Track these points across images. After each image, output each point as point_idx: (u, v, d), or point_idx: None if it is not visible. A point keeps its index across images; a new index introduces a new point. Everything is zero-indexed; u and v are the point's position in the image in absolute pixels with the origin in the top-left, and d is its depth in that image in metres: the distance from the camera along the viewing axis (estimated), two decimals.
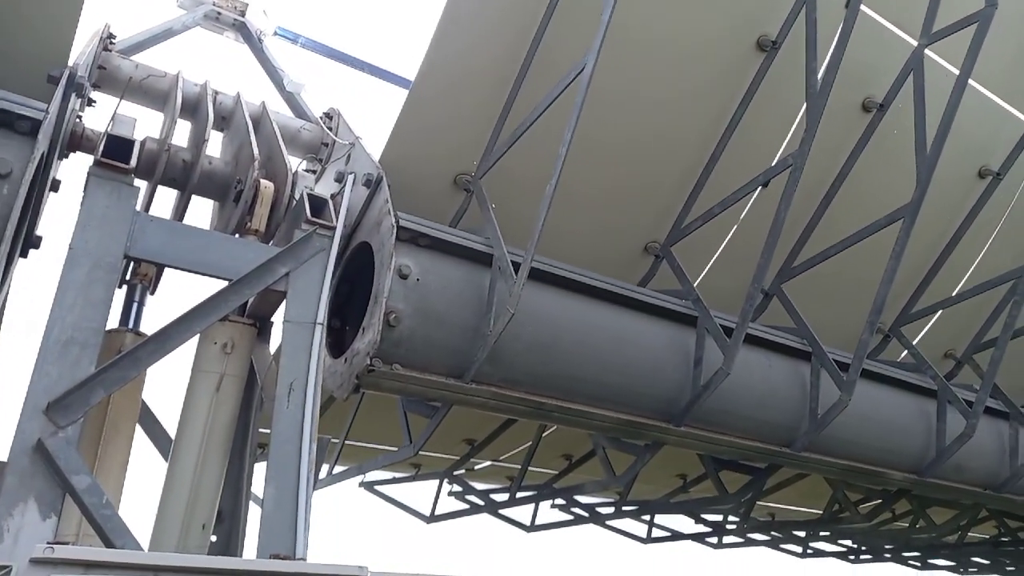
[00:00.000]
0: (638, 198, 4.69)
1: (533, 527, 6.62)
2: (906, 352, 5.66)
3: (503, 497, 6.21)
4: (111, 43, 4.18)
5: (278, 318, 3.79)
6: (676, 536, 7.59)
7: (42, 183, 3.22)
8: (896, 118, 4.83)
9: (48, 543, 2.09)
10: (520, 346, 3.74)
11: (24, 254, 3.34)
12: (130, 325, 3.70)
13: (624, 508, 6.29)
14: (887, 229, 4.45)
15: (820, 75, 3.91)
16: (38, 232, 3.41)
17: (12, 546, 2.34)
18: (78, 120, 3.55)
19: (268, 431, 3.63)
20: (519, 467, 6.00)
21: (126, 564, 1.97)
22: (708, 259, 5.12)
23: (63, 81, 3.08)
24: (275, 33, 5.55)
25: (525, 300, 3.50)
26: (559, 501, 6.69)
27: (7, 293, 3.21)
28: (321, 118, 4.92)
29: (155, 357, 2.85)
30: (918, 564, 9.31)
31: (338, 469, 5.89)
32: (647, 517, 7.36)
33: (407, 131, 4.04)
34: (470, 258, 3.79)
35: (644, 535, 7.36)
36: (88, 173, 3.06)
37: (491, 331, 3.53)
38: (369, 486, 6.57)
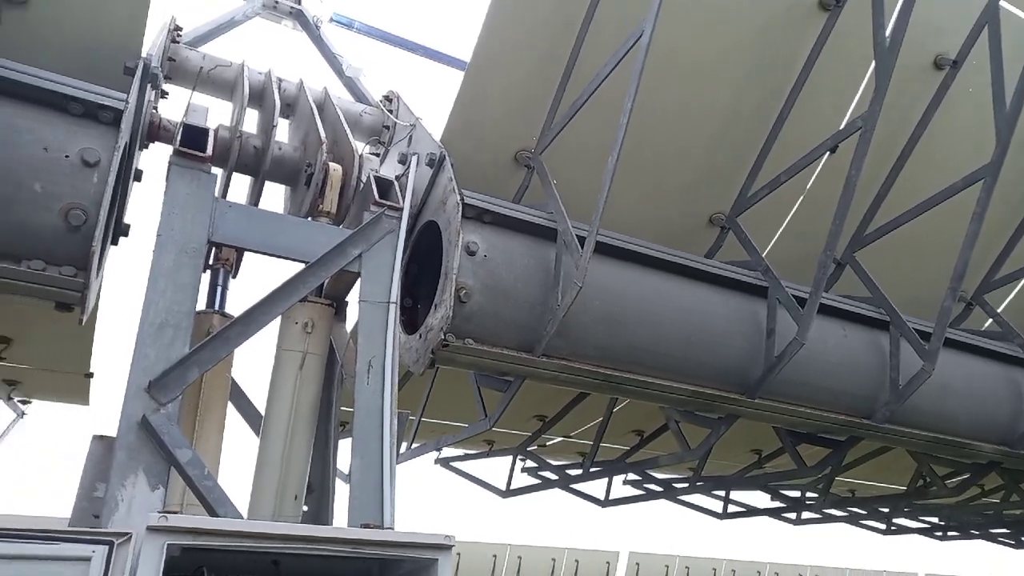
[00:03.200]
0: (701, 168, 4.62)
1: (607, 502, 6.66)
2: (991, 321, 5.44)
3: (577, 473, 6.26)
4: (178, 35, 4.32)
5: (351, 297, 3.92)
6: (752, 512, 7.51)
7: (126, 173, 3.38)
8: (970, 75, 4.60)
9: (159, 512, 2.23)
10: (588, 319, 3.75)
11: (115, 242, 3.52)
12: (216, 307, 3.87)
13: (698, 483, 6.25)
14: (966, 192, 4.27)
15: (888, 32, 3.75)
16: (126, 220, 3.58)
17: (126, 515, 2.50)
18: (154, 111, 3.70)
19: (348, 409, 3.78)
20: (590, 443, 6.03)
21: (235, 532, 2.08)
22: (775, 229, 5.01)
23: (139, 72, 3.21)
24: (331, 20, 5.65)
25: (592, 273, 3.51)
26: (632, 476, 6.70)
27: (102, 279, 3.40)
28: (381, 101, 4.99)
29: (243, 337, 2.98)
30: (1012, 542, 8.93)
31: (415, 445, 6.04)
32: (722, 493, 7.30)
33: (466, 110, 4.07)
34: (535, 233, 3.82)
35: (720, 511, 7.30)
36: (168, 162, 3.19)
37: (559, 304, 3.56)
38: (445, 462, 6.72)
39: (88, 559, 1.93)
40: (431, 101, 5.07)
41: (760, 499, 7.59)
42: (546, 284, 3.71)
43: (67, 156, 2.76)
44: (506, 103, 4.07)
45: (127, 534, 1.99)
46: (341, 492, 3.65)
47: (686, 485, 6.78)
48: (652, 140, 4.37)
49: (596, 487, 7.02)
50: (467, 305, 3.54)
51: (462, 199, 3.59)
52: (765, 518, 7.62)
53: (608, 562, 19.92)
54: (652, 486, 6.77)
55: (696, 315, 4.11)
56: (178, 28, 4.23)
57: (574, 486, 6.51)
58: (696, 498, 7.23)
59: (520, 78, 4.02)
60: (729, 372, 4.16)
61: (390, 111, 4.79)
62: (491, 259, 3.63)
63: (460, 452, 6.99)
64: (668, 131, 4.43)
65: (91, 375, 5.12)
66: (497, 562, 16.06)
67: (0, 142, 2.68)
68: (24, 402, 6.05)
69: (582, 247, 3.47)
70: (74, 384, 5.39)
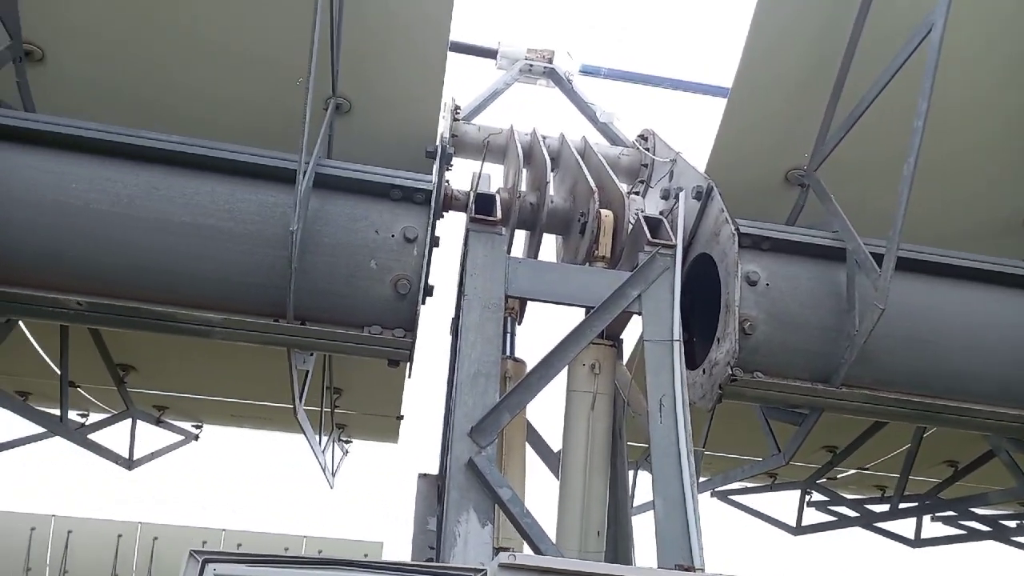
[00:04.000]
0: (998, 164, 4.04)
1: (919, 542, 5.93)
2: None
3: (876, 508, 5.69)
4: (457, 114, 4.85)
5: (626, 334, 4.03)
6: None
7: (431, 241, 3.85)
8: None
9: (496, 548, 2.46)
10: (893, 343, 3.44)
11: (423, 301, 4.01)
12: (507, 353, 4.19)
13: None
14: None
15: None
16: (430, 282, 4.06)
17: (463, 549, 2.79)
18: (446, 183, 4.18)
19: (632, 443, 3.85)
20: (889, 475, 5.46)
21: (580, 572, 2.22)
22: None
23: (439, 155, 3.66)
24: (580, 72, 5.93)
25: (892, 292, 3.23)
26: (946, 513, 5.91)
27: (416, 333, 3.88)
28: (636, 140, 5.11)
29: (544, 382, 3.20)
30: None
31: (701, 479, 5.94)
32: None
33: (731, 136, 4.02)
34: (819, 255, 3.62)
35: None
36: (466, 229, 3.57)
37: (858, 330, 3.31)
38: (723, 496, 6.51)
39: None
40: (686, 132, 5.08)
41: None
42: (837, 308, 3.49)
43: (393, 235, 3.23)
44: (773, 123, 3.95)
45: (482, 570, 2.22)
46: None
47: (1015, 524, 5.82)
48: (940, 140, 3.93)
49: (902, 525, 6.29)
50: (752, 337, 3.45)
51: (737, 228, 3.53)
52: None
53: None
54: (974, 524, 5.89)
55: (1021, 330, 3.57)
56: (457, 107, 4.75)
57: (878, 524, 5.90)
58: None
59: (786, 96, 3.88)
60: None
61: (647, 149, 4.89)
62: (774, 287, 3.50)
63: (739, 485, 6.71)
64: (956, 129, 3.96)
65: (401, 417, 5.83)
66: None
67: (342, 228, 3.23)
68: (347, 442, 7.06)
69: (878, 265, 3.22)
70: (387, 425, 6.18)
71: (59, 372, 4.84)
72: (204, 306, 3.22)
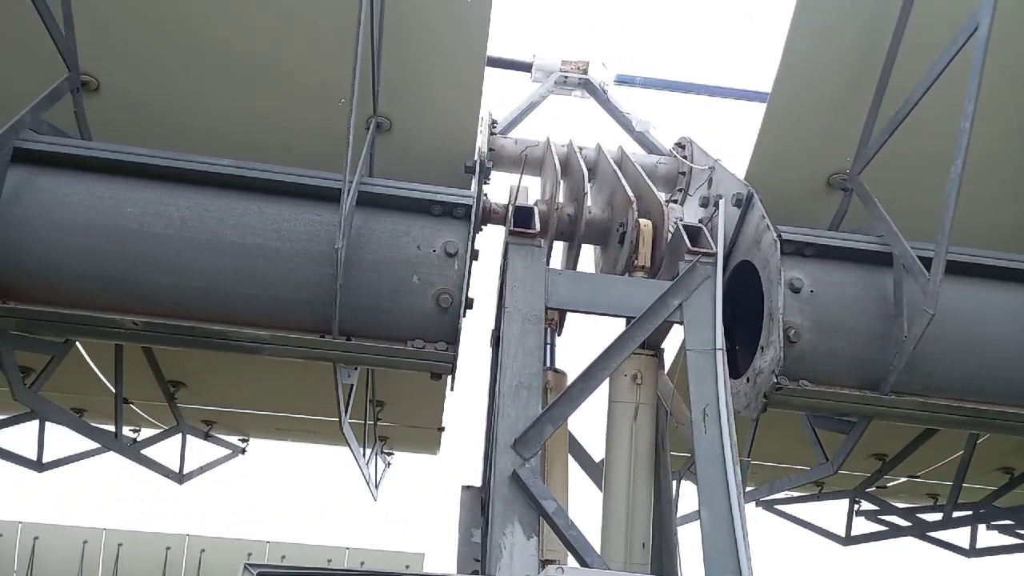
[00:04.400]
0: None
1: (974, 552, 5.76)
2: None
3: (929, 518, 5.54)
4: (494, 128, 4.90)
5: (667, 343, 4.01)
6: None
7: (471, 255, 3.90)
8: None
9: (543, 560, 2.47)
10: (943, 348, 3.38)
11: (464, 314, 4.05)
12: (547, 364, 4.21)
13: None
14: None
15: None
16: (470, 295, 4.11)
17: (509, 562, 2.80)
18: (485, 197, 4.23)
19: (675, 453, 3.82)
20: (942, 482, 5.32)
21: None
22: None
23: (477, 170, 3.71)
24: (615, 81, 5.95)
25: (941, 296, 3.17)
26: (1002, 521, 5.73)
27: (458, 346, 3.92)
28: (673, 149, 5.10)
29: (586, 393, 3.21)
30: None
31: (747, 489, 5.87)
32: None
33: (771, 141, 3.99)
34: (864, 260, 3.57)
35: None
36: (505, 242, 3.61)
37: (906, 336, 3.25)
38: (768, 505, 6.41)
39: None
40: (723, 138, 5.05)
41: None
42: (884, 314, 3.44)
43: (434, 250, 3.29)
44: (813, 127, 3.91)
45: None
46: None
47: None
48: (983, 141, 3.85)
49: (956, 534, 6.11)
50: (797, 345, 3.41)
51: (779, 235, 3.50)
52: None
53: None
54: None
55: None
56: (494, 122, 4.80)
57: (932, 534, 5.74)
58: None
59: (827, 99, 3.84)
60: None
61: (684, 157, 4.87)
62: (818, 294, 3.46)
63: (785, 495, 6.60)
64: (1001, 130, 3.88)
65: (443, 429, 5.87)
66: None
67: (386, 245, 3.29)
68: (388, 454, 7.14)
69: (926, 269, 3.16)
70: (428, 437, 6.24)
71: (114, 390, 5.00)
72: (254, 323, 3.31)
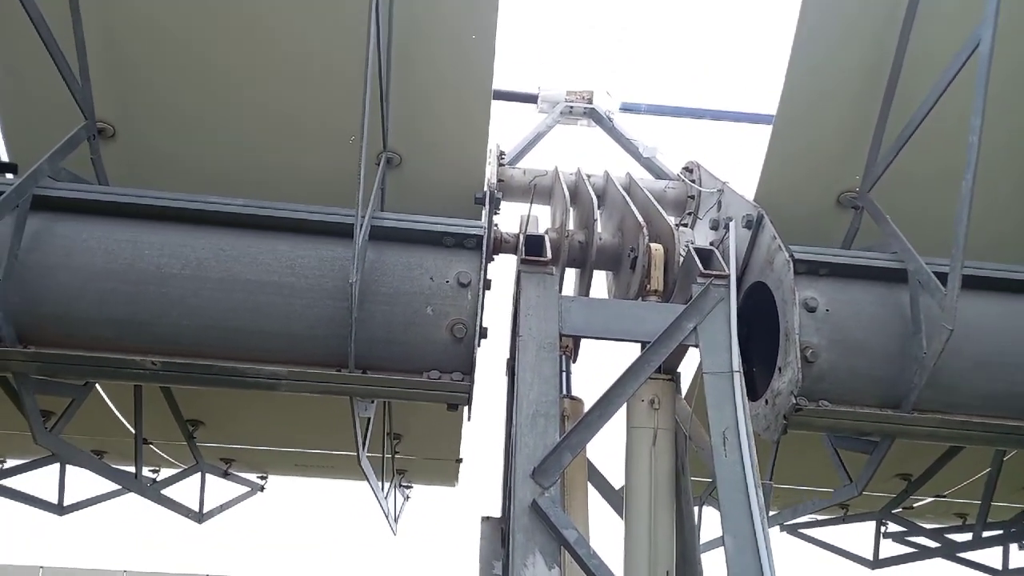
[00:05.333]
0: None
1: (1007, 573, 5.61)
2: None
3: (958, 538, 5.42)
4: (502, 158, 4.95)
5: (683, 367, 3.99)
6: None
7: (483, 285, 3.91)
8: None
9: None
10: (963, 364, 3.34)
11: (479, 344, 4.06)
12: (563, 392, 4.19)
13: None
14: None
15: None
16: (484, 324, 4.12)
17: None
18: (495, 227, 4.26)
19: (696, 478, 3.77)
20: (971, 502, 5.21)
21: None
22: None
23: (487, 201, 3.75)
24: (620, 109, 6.01)
25: (959, 312, 3.14)
26: None
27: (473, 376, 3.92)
28: (681, 173, 5.13)
29: (603, 420, 3.19)
30: None
31: (771, 514, 5.78)
32: None
33: (778, 161, 4.01)
34: (879, 278, 3.56)
35: None
36: (518, 271, 3.63)
37: (926, 352, 3.22)
38: (792, 529, 6.30)
39: None
40: (730, 161, 5.08)
41: None
42: (901, 331, 3.41)
43: (447, 281, 3.31)
44: (821, 147, 3.94)
45: None
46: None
47: None
48: (991, 155, 3.85)
49: (988, 555, 5.96)
50: (815, 364, 3.39)
51: (791, 255, 3.50)
52: None
53: None
54: None
55: None
56: (502, 153, 4.86)
57: (962, 554, 5.61)
58: None
59: (833, 118, 3.88)
60: None
61: (692, 181, 4.90)
62: (834, 313, 3.45)
63: (810, 518, 6.48)
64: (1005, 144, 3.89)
65: (461, 460, 5.84)
66: None
67: (399, 277, 3.32)
68: (407, 487, 7.10)
69: (942, 284, 3.14)
70: (446, 469, 6.20)
71: (133, 431, 5.03)
72: (270, 360, 3.33)
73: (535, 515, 2.96)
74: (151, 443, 5.75)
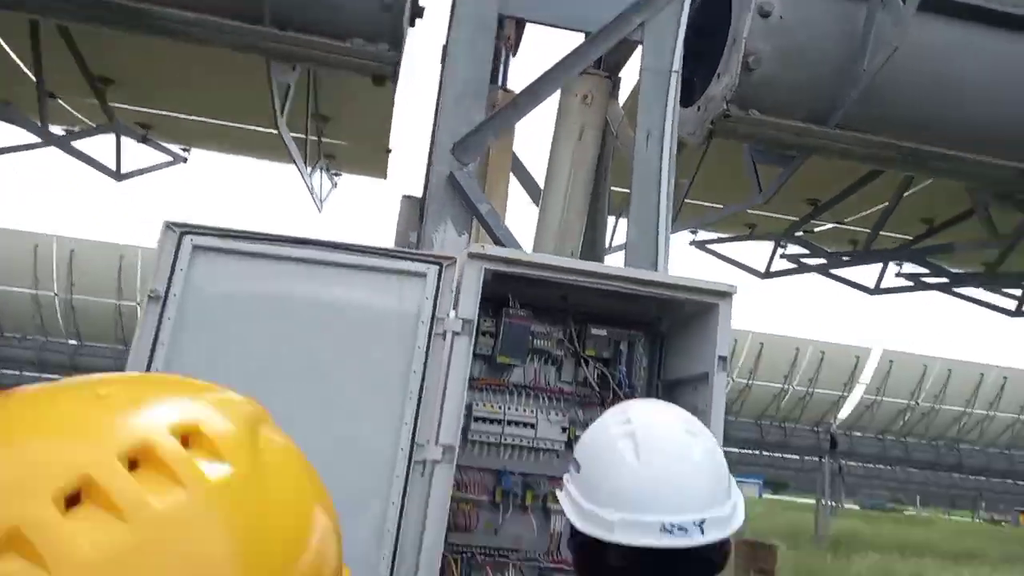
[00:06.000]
0: None
1: (878, 290, 6.26)
2: None
3: (848, 258, 5.90)
4: None
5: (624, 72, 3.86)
6: None
7: None
8: None
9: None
10: (901, 87, 3.33)
11: (412, 23, 3.75)
12: (499, 83, 4.04)
13: (995, 277, 5.51)
14: None
15: None
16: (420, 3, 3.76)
17: (440, 251, 2.91)
18: None
19: (616, 188, 3.86)
20: (867, 231, 5.61)
21: (538, 264, 2.36)
22: None
23: None
24: None
25: (912, 32, 3.05)
26: (910, 270, 6.15)
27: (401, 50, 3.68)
28: None
29: (530, 106, 3.12)
30: None
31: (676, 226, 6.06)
32: (1019, 292, 6.40)
33: None
34: None
35: (1013, 308, 6.42)
36: None
37: (865, 68, 3.17)
38: (701, 244, 6.74)
39: (424, 275, 2.31)
40: None
41: None
42: (850, 47, 3.31)
43: None
44: None
45: (453, 258, 2.34)
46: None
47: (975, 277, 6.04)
48: None
49: (865, 275, 6.53)
50: (756, 73, 3.31)
51: None
52: None
53: (858, 356, 19.16)
54: (933, 279, 6.15)
55: None
56: None
57: (839, 272, 6.16)
58: (980, 292, 6.40)
59: None
60: None
61: None
62: (787, 20, 3.29)
63: (715, 236, 6.91)
64: None
65: (389, 151, 5.77)
66: (737, 346, 16.43)
67: None
68: (336, 175, 7.06)
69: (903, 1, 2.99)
70: (375, 158, 6.15)
71: (35, 79, 4.66)
72: (180, 4, 3.00)
73: (451, 187, 3.00)
74: (59, 98, 5.38)
